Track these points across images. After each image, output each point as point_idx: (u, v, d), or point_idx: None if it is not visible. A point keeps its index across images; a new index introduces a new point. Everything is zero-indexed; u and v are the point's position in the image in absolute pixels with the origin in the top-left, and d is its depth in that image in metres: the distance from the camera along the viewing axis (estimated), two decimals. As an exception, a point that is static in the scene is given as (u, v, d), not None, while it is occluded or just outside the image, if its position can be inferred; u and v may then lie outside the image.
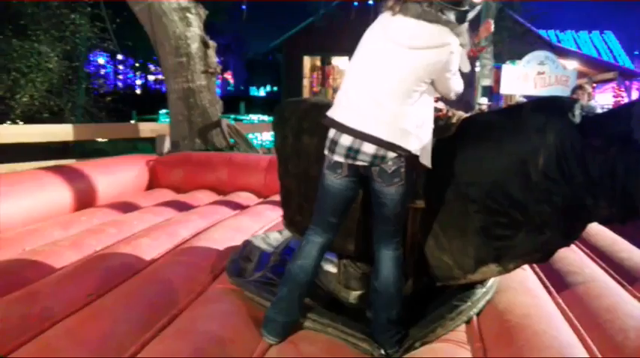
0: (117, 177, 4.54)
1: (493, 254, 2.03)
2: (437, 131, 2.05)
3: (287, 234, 2.99)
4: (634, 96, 19.72)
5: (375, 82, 1.84)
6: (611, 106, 18.11)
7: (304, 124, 2.36)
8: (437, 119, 2.15)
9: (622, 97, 18.30)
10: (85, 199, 4.06)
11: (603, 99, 19.81)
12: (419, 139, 1.84)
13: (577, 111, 1.87)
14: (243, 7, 10.32)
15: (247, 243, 2.91)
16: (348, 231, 2.26)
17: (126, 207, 4.04)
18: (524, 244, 1.98)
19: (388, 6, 1.87)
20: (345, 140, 1.84)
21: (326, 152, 1.91)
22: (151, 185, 4.91)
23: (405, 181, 1.86)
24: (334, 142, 1.87)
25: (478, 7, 1.90)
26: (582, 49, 19.57)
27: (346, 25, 17.56)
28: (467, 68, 1.97)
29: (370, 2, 14.65)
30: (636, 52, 21.95)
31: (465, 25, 1.87)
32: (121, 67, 24.43)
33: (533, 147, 1.88)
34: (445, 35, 1.79)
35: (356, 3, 16.18)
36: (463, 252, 2.07)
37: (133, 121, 15.03)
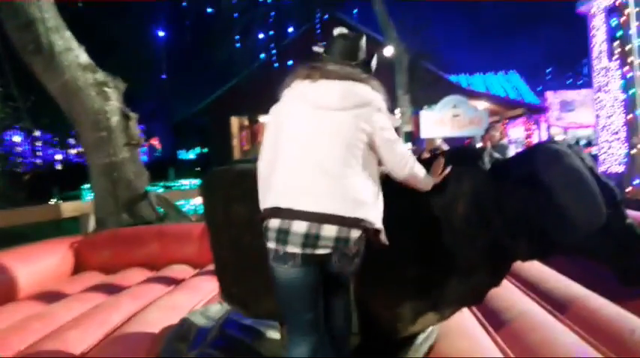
0: (39, 264, 4.24)
1: (430, 302, 2.08)
2: None
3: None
4: (543, 128, 21.38)
5: (317, 153, 1.68)
6: (523, 139, 19.55)
7: (232, 192, 2.35)
8: None
9: (532, 130, 19.78)
10: (6, 293, 3.76)
11: (516, 133, 21.33)
12: (378, 211, 1.72)
13: (486, 159, 2.01)
14: (163, 76, 10.32)
15: (184, 321, 2.79)
16: None
17: (51, 296, 3.78)
18: (457, 289, 2.04)
19: (304, 75, 1.82)
20: (299, 227, 1.61)
21: (271, 245, 1.69)
22: (78, 268, 4.63)
23: (361, 257, 1.73)
24: (284, 232, 1.63)
25: (375, 57, 1.97)
26: (491, 89, 21.13)
27: (270, 84, 18.05)
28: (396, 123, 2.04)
29: (290, 63, 15.18)
30: (539, 88, 23.94)
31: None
32: (39, 143, 23.41)
33: (452, 196, 1.98)
34: (370, 92, 1.78)
35: (276, 64, 16.69)
36: (401, 305, 2.09)
37: (54, 200, 14.30)
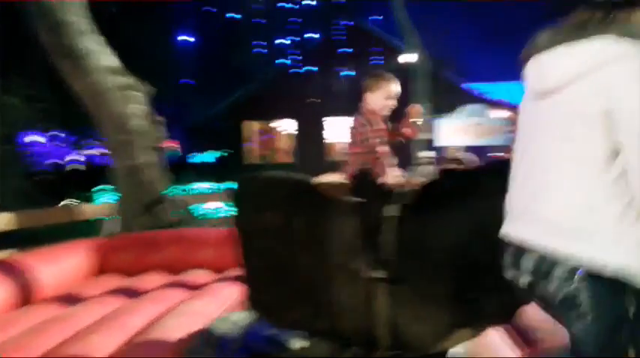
0: (61, 266, 4.26)
1: (466, 318, 2.04)
2: (398, 198, 2.11)
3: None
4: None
5: None
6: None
7: (264, 200, 2.35)
8: (396, 186, 2.21)
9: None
10: (26, 295, 3.76)
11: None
12: None
13: None
14: (189, 80, 10.43)
15: (206, 329, 2.77)
16: (317, 308, 2.21)
17: (72, 298, 3.78)
18: (492, 305, 2.00)
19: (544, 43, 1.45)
20: None
21: None
22: (98, 271, 4.63)
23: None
24: None
25: None
26: (512, 98, 20.90)
27: (288, 90, 18.22)
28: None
29: (314, 69, 15.23)
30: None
31: None
32: (62, 144, 23.74)
33: (491, 208, 1.94)
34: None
35: (295, 70, 16.75)
36: (437, 320, 2.05)
37: (69, 200, 14.42)
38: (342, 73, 15.73)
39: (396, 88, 2.29)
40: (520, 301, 2.01)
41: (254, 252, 2.37)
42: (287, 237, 2.17)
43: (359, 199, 2.16)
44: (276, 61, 18.47)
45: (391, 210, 2.09)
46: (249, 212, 2.39)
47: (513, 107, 19.23)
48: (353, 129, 2.30)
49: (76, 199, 15.03)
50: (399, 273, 2.07)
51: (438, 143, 12.96)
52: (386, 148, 2.24)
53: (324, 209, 2.22)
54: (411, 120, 2.35)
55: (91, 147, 24.84)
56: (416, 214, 2.08)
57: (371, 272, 2.05)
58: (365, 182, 2.24)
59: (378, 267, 2.04)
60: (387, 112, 2.28)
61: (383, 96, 2.27)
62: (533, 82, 1.59)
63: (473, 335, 2.10)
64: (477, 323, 2.04)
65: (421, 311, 2.06)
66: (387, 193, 2.16)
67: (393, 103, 2.27)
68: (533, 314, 2.85)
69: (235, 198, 2.52)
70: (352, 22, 16.78)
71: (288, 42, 17.26)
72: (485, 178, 2.02)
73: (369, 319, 2.13)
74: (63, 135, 22.56)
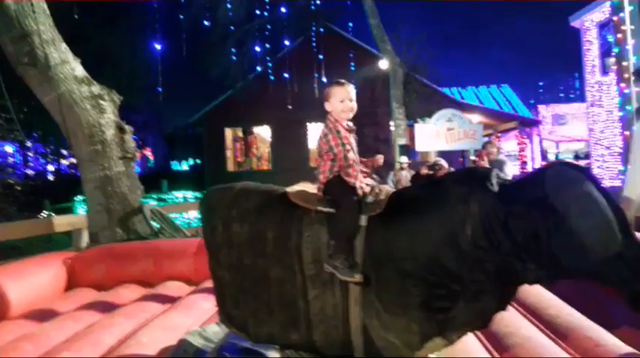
0: (31, 281, 4.13)
1: (436, 327, 2.02)
2: (367, 208, 2.11)
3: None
4: (535, 141, 21.52)
5: None
6: (517, 153, 19.65)
7: (233, 212, 2.31)
8: (365, 195, 2.20)
9: (525, 144, 19.90)
10: (-5, 311, 3.66)
11: (509, 146, 21.46)
12: None
13: (494, 180, 1.97)
14: (159, 89, 10.28)
15: (181, 343, 2.72)
16: (291, 321, 2.19)
17: (42, 315, 3.68)
18: (464, 313, 1.99)
19: None
20: None
21: None
22: (70, 285, 4.52)
23: None
24: None
25: None
26: (484, 102, 21.26)
27: (264, 96, 18.19)
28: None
29: (286, 76, 15.20)
30: (532, 101, 24.15)
31: None
32: (31, 154, 23.21)
33: (460, 218, 1.94)
34: None
35: (272, 77, 16.71)
36: (407, 330, 2.04)
37: (45, 212, 14.13)
38: (321, 80, 15.79)
39: (349, 89, 2.32)
40: (497, 307, 2.03)
41: (223, 266, 2.33)
42: (257, 250, 2.14)
43: (329, 209, 2.16)
44: (253, 68, 18.43)
45: (361, 221, 2.10)
46: (217, 224, 2.34)
47: (486, 111, 19.56)
48: (319, 139, 2.31)
49: (54, 210, 14.73)
50: (371, 282, 2.06)
51: (415, 148, 13.08)
52: (352, 156, 2.24)
53: (295, 219, 2.20)
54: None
55: (68, 157, 24.38)
56: (384, 224, 2.07)
57: (345, 276, 2.03)
58: (335, 191, 2.21)
59: (352, 271, 2.03)
60: (346, 116, 2.29)
61: (338, 99, 2.29)
62: None
63: (446, 345, 2.08)
64: (449, 332, 2.03)
65: (393, 321, 2.05)
66: (356, 202, 2.15)
67: (350, 106, 2.29)
68: (509, 319, 2.89)
69: (202, 210, 2.47)
70: (323, 30, 16.87)
71: (264, 49, 17.22)
72: (453, 187, 2.02)
73: (344, 329, 2.12)
74: (32, 145, 22.10)
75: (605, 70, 13.71)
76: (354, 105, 2.32)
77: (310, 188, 2.31)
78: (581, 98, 15.18)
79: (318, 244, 2.13)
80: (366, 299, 2.08)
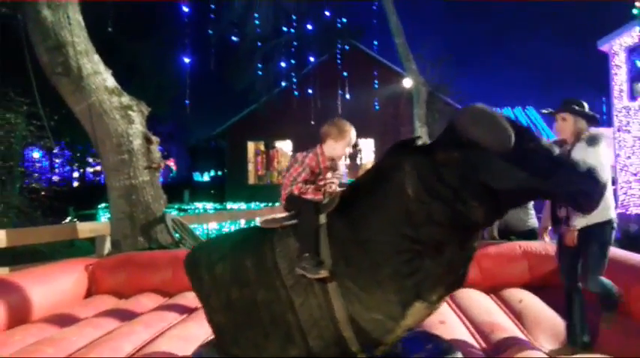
0: (53, 286, 4.23)
1: (413, 291, 2.09)
2: (323, 207, 2.31)
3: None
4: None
5: None
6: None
7: (214, 257, 2.46)
8: (323, 199, 2.42)
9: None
10: (19, 315, 3.73)
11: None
12: None
13: (419, 142, 2.15)
14: (187, 102, 10.48)
15: (197, 353, 2.74)
16: (286, 336, 2.25)
17: (64, 320, 3.75)
18: (433, 269, 2.08)
19: None
20: None
21: None
22: (91, 291, 4.61)
23: None
24: None
25: None
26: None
27: (287, 111, 18.36)
28: None
29: (310, 91, 15.33)
30: (556, 124, 23.88)
31: None
32: (57, 160, 23.76)
33: (399, 183, 2.09)
34: None
35: (296, 93, 16.87)
36: (387, 302, 2.11)
37: (69, 218, 14.40)
38: (345, 96, 15.89)
39: (354, 135, 2.52)
40: (462, 256, 2.11)
41: (216, 310, 2.43)
42: (241, 281, 2.28)
43: (293, 221, 2.33)
44: (278, 83, 18.64)
45: (320, 219, 2.28)
46: (202, 274, 2.45)
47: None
48: (293, 157, 2.48)
49: (77, 217, 15.02)
50: (343, 271, 2.16)
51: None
52: (297, 189, 2.41)
53: (267, 240, 2.36)
54: None
55: (93, 165, 24.89)
56: (342, 215, 2.23)
57: (313, 274, 2.14)
58: (293, 203, 2.40)
59: (318, 268, 2.14)
60: (338, 160, 2.49)
61: (346, 143, 2.49)
62: None
63: (428, 308, 2.14)
64: (426, 292, 2.08)
65: (372, 299, 2.12)
66: (312, 205, 2.34)
67: (347, 152, 2.52)
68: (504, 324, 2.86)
69: (188, 270, 2.59)
70: (348, 47, 17.01)
71: (290, 65, 17.43)
72: (387, 160, 2.16)
73: (334, 325, 2.18)
74: (62, 152, 22.63)
75: (633, 95, 13.49)
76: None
77: (280, 214, 2.46)
78: (608, 123, 14.91)
79: (290, 255, 2.28)
80: (343, 287, 2.17)
